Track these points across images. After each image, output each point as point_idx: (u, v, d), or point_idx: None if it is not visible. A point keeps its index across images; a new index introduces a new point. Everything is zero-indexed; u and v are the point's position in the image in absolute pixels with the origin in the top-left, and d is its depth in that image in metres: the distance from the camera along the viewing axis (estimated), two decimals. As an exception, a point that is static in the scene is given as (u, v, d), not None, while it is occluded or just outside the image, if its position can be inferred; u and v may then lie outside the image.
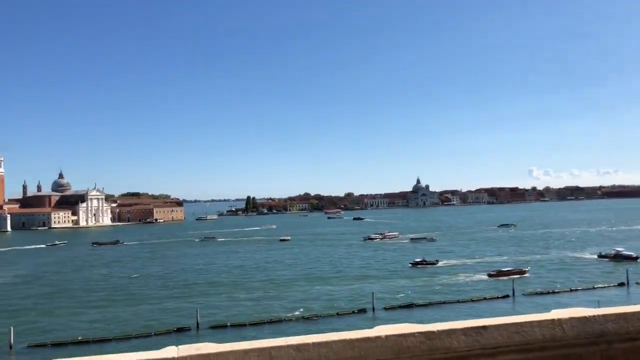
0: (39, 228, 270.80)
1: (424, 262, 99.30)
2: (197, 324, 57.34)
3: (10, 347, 50.86)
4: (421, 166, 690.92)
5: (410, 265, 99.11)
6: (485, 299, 68.27)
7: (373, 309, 62.95)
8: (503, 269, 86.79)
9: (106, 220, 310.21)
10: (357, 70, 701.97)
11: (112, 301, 73.34)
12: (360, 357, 3.93)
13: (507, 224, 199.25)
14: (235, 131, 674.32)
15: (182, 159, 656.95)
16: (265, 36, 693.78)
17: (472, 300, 67.38)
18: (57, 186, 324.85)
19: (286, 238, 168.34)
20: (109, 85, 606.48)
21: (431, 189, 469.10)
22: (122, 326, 58.68)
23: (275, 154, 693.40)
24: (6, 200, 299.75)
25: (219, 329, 56.07)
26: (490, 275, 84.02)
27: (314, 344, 3.87)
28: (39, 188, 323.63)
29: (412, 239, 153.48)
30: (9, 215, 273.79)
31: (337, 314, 61.67)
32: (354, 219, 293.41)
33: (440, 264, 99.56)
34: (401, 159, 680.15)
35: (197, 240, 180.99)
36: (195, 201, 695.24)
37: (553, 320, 4.48)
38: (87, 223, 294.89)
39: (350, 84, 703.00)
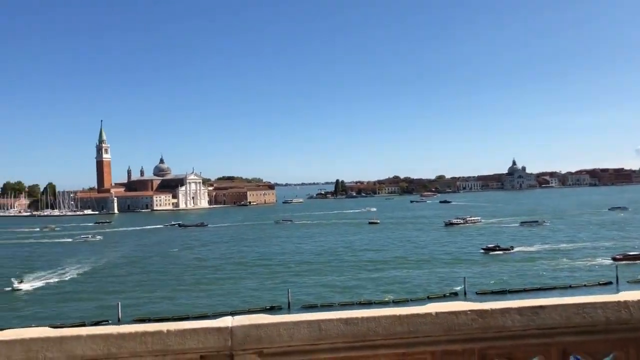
0: (142, 210, 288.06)
1: (497, 248, 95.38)
2: (289, 303, 58.96)
3: (119, 320, 54.74)
4: (517, 147, 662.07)
5: (482, 251, 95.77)
6: (585, 285, 64.86)
7: (465, 293, 61.85)
8: (630, 253, 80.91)
9: (203, 203, 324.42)
10: (456, 49, 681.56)
11: (205, 280, 76.72)
12: (409, 332, 3.96)
13: (618, 207, 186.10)
14: (324, 115, 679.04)
15: (274, 144, 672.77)
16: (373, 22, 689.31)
17: (571, 287, 64.27)
18: (159, 171, 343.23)
19: (375, 221, 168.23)
20: (204, 75, 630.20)
21: (528, 170, 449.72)
22: (217, 304, 61.40)
23: (365, 137, 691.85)
24: (113, 184, 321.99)
25: (310, 309, 57.24)
26: (615, 260, 77.74)
27: (362, 318, 3.95)
28: (141, 173, 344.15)
29: (522, 222, 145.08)
30: (115, 199, 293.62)
31: (428, 297, 60.98)
32: (441, 202, 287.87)
33: (516, 249, 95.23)
34: (496, 139, 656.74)
35: (273, 222, 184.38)
36: (287, 184, 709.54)
37: (619, 302, 4.26)
38: (185, 206, 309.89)
39: (448, 63, 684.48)
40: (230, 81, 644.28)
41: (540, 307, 4.14)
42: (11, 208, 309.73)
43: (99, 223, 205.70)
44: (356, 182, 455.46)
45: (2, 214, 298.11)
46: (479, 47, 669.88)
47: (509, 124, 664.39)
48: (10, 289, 69.87)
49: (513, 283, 67.42)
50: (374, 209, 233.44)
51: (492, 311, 4.08)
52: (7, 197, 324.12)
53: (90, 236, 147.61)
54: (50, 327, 4.01)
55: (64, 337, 3.72)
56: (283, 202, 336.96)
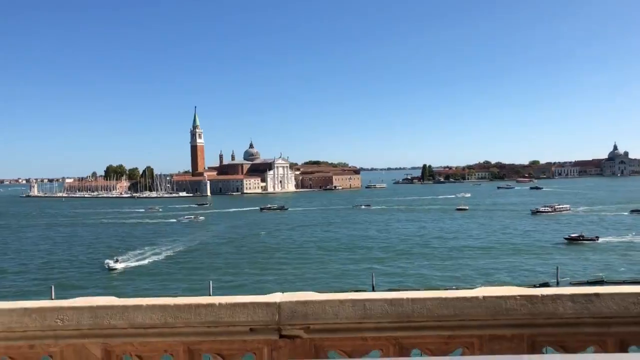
0: (233, 193, 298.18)
1: (581, 238, 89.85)
2: (373, 287, 59.17)
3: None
4: (619, 131, 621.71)
5: (565, 240, 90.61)
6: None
7: (557, 283, 59.35)
8: None
9: (291, 186, 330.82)
10: (547, 26, 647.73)
11: (292, 263, 78.41)
12: (454, 315, 3.95)
13: None
14: (412, 99, 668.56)
15: (360, 128, 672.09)
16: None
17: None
18: (248, 155, 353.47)
19: (464, 207, 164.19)
20: (292, 61, 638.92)
21: (631, 155, 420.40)
22: (303, 286, 62.68)
23: (454, 121, 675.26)
24: (206, 168, 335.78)
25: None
26: None
27: (408, 299, 3.99)
28: (232, 157, 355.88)
29: (633, 211, 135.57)
30: (208, 182, 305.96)
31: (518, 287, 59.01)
32: (531, 188, 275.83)
33: (603, 239, 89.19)
34: (595, 122, 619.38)
35: (351, 207, 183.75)
36: (372, 169, 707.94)
37: None
38: (274, 189, 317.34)
39: (541, 40, 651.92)
40: (316, 66, 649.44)
41: (596, 294, 3.99)
42: (113, 190, 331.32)
43: (199, 205, 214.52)
44: (444, 167, 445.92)
45: (105, 194, 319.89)
46: (586, 25, 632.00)
47: (611, 106, 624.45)
48: (107, 268, 74.38)
49: (600, 274, 63.75)
50: (468, 195, 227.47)
51: (543, 297, 3.97)
52: (110, 179, 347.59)
53: (193, 217, 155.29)
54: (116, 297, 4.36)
55: (127, 306, 4.05)
56: (366, 187, 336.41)
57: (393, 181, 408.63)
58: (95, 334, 4.05)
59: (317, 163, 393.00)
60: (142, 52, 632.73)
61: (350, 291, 41.62)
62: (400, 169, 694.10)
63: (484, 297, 3.98)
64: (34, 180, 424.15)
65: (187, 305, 4.04)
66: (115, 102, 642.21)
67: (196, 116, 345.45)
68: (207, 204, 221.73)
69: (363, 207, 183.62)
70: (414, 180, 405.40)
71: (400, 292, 4.12)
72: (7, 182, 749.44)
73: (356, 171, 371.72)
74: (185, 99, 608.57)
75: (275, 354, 4.02)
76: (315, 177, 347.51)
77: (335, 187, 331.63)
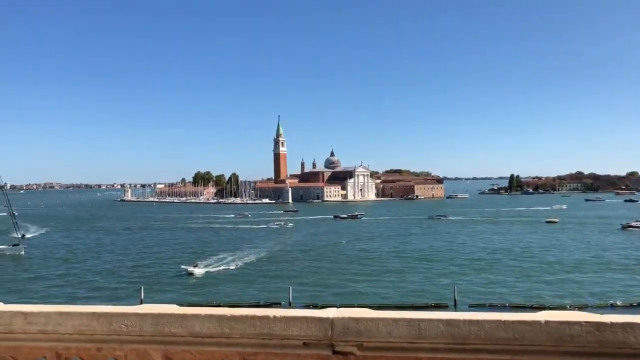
0: (314, 201, 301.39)
1: None
2: (455, 301, 57.67)
3: (290, 303, 58.09)
4: None
5: None
6: None
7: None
8: None
9: (371, 195, 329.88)
10: None
11: (371, 272, 77.82)
12: (514, 339, 3.77)
13: None
14: (499, 108, 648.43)
15: (443, 137, 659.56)
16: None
17: None
18: (329, 163, 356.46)
19: (554, 220, 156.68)
20: (372, 70, 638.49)
21: None
22: (380, 298, 62.06)
23: (543, 130, 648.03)
24: (288, 175, 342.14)
25: (477, 308, 55.35)
26: None
27: (464, 320, 3.85)
28: (314, 165, 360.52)
29: None
30: (290, 189, 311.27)
31: (611, 304, 55.59)
32: (625, 201, 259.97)
33: None
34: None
35: (426, 217, 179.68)
36: (456, 179, 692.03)
37: None
38: (354, 197, 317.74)
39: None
40: (401, 74, 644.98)
41: (673, 325, 3.67)
42: (201, 195, 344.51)
43: (286, 211, 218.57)
44: (533, 178, 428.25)
45: (193, 200, 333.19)
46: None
47: None
48: (186, 273, 76.30)
49: None
50: (565, 207, 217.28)
51: (612, 325, 3.70)
52: (197, 186, 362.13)
53: (283, 223, 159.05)
54: (178, 305, 4.52)
55: (186, 315, 4.19)
56: (447, 197, 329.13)
57: (478, 191, 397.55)
58: (157, 340, 4.22)
59: (398, 172, 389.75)
60: (229, 61, 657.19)
61: (432, 305, 40.90)
62: (486, 178, 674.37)
63: (546, 322, 3.77)
64: (128, 186, 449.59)
65: (242, 316, 4.12)
66: (203, 111, 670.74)
67: (279, 125, 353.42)
68: (294, 210, 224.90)
69: (439, 217, 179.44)
70: (501, 191, 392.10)
71: (457, 312, 3.99)
72: (104, 187, 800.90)
73: (439, 180, 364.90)
74: (270, 108, 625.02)
75: None
76: (397, 186, 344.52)
77: (416, 196, 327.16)
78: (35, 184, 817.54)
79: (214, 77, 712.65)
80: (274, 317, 4.09)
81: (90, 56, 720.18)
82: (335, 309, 4.19)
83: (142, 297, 58.74)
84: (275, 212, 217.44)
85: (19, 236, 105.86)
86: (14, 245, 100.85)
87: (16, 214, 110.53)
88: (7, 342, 4.43)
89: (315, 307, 56.81)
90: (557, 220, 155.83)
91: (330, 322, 4.02)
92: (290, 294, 58.82)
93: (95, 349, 4.33)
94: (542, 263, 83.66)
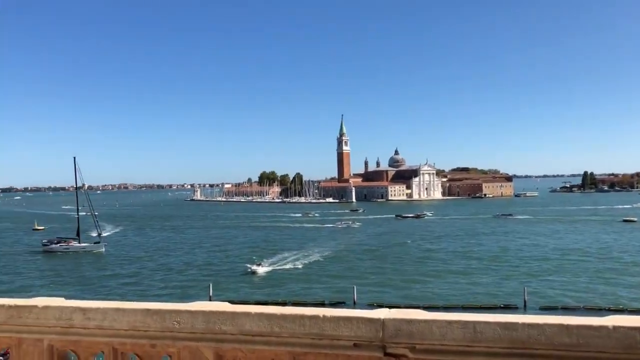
0: (378, 200, 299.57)
1: None
2: (525, 303, 55.93)
3: (354, 302, 58.00)
4: None
5: None
6: None
7: None
8: None
9: (437, 194, 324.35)
10: None
11: (437, 273, 76.45)
12: (578, 345, 3.51)
13: None
14: (571, 99, 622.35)
15: (512, 133, 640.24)
16: None
17: None
18: (393, 162, 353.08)
19: (632, 219, 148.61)
20: (439, 62, 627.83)
21: None
22: (449, 297, 60.94)
23: (618, 123, 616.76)
24: (351, 174, 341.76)
25: (549, 311, 53.30)
26: None
27: (523, 324, 3.63)
28: (377, 164, 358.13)
29: None
30: (353, 188, 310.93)
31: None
32: None
33: None
34: None
35: (491, 216, 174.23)
36: (526, 176, 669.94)
37: None
38: (419, 196, 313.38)
39: None
40: (466, 70, 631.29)
41: None
42: (266, 195, 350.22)
43: (353, 211, 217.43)
44: (609, 175, 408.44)
45: (259, 199, 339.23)
46: None
47: None
48: (250, 271, 77.13)
49: None
50: None
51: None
52: (263, 185, 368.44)
53: (350, 222, 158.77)
54: (230, 303, 4.54)
55: (237, 313, 4.19)
56: (515, 196, 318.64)
57: (549, 189, 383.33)
58: (208, 338, 4.25)
59: (465, 170, 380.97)
60: (293, 62, 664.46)
61: (501, 306, 39.68)
62: (557, 176, 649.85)
63: (614, 327, 3.48)
64: (197, 186, 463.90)
65: (292, 316, 4.07)
66: (267, 112, 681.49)
67: (343, 124, 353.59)
68: (360, 210, 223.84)
69: (504, 216, 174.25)
70: (573, 189, 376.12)
71: (515, 315, 3.77)
72: (175, 187, 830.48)
73: (508, 178, 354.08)
74: (333, 107, 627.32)
75: None
76: (463, 184, 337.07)
77: (484, 195, 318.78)
78: (111, 185, 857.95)
79: (278, 79, 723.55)
80: (324, 316, 4.02)
81: (164, 63, 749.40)
82: (387, 309, 4.07)
83: (211, 294, 60.37)
84: (340, 211, 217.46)
85: (99, 234, 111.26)
86: (95, 243, 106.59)
87: (97, 213, 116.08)
88: (68, 336, 4.59)
89: (380, 306, 56.41)
90: (635, 219, 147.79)
91: (382, 323, 3.90)
92: (355, 294, 58.72)
93: (150, 345, 4.41)
94: (619, 264, 79.60)
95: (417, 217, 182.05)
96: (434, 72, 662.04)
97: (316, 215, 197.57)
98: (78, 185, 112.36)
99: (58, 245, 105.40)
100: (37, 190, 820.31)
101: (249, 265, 79.23)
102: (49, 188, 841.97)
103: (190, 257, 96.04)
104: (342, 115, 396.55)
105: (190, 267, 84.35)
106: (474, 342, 3.71)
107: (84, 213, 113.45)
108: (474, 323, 3.73)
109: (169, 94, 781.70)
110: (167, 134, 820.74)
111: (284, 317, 4.08)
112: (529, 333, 3.61)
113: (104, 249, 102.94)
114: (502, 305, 55.83)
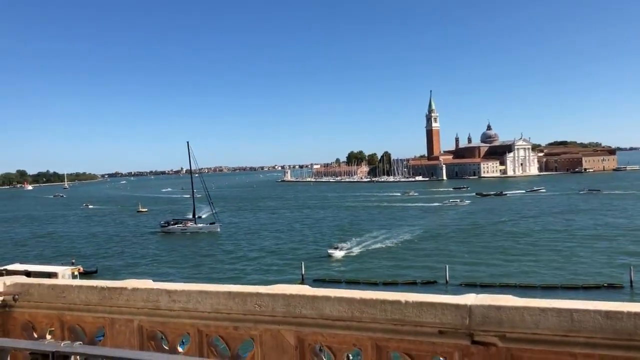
0: (470, 177, 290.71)
1: None
2: (631, 282, 52.62)
3: (446, 282, 57.06)
4: None
5: None
6: None
7: None
8: None
9: (533, 169, 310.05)
10: None
11: (535, 251, 73.50)
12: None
13: None
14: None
15: (616, 103, 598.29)
16: None
17: None
18: (486, 137, 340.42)
19: None
20: (526, 35, 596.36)
21: None
22: (546, 276, 58.47)
23: None
24: (441, 151, 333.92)
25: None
26: None
27: (629, 313, 3.28)
28: (469, 140, 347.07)
29: None
30: (444, 166, 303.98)
31: None
32: None
33: None
34: None
35: (581, 192, 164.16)
36: (631, 149, 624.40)
37: None
38: (514, 172, 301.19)
39: None
40: (558, 37, 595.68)
41: None
42: (354, 175, 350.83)
43: (456, 189, 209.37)
44: None
45: (347, 179, 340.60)
46: None
47: None
48: (328, 255, 75.33)
49: None
50: None
51: None
52: (351, 165, 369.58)
53: (459, 200, 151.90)
54: (311, 287, 4.47)
55: (316, 297, 4.12)
56: (613, 170, 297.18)
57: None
58: (289, 321, 4.22)
59: (563, 144, 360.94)
60: (379, 39, 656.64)
61: (604, 285, 37.47)
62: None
63: None
64: (288, 167, 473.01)
65: (372, 300, 3.94)
66: (353, 90, 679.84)
67: (432, 100, 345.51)
68: (466, 187, 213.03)
69: (591, 191, 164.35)
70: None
71: (618, 303, 3.40)
72: (267, 169, 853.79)
73: (611, 151, 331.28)
74: (421, 83, 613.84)
75: None
76: (561, 159, 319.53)
77: (585, 169, 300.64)
78: (207, 168, 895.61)
79: (365, 57, 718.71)
80: (406, 302, 3.86)
81: (252, 48, 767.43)
82: (474, 295, 3.83)
83: (304, 272, 61.67)
84: (441, 189, 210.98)
85: (213, 213, 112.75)
86: (210, 223, 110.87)
87: (210, 195, 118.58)
88: (155, 317, 4.74)
89: (474, 286, 55.08)
90: None
91: (468, 309, 3.68)
92: (447, 273, 57.68)
93: (233, 327, 4.45)
94: None
95: (499, 195, 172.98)
96: (524, 40, 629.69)
97: (415, 194, 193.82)
98: (192, 169, 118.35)
99: (176, 226, 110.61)
100: (140, 174, 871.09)
101: (333, 248, 77.51)
102: (151, 172, 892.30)
103: (283, 237, 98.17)
104: (431, 91, 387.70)
105: (282, 249, 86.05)
106: (571, 332, 3.41)
107: (188, 195, 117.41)
108: (572, 311, 3.42)
109: (258, 78, 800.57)
110: (258, 118, 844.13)
111: (364, 301, 3.96)
112: (635, 323, 3.26)
113: (219, 229, 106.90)
114: (605, 284, 52.87)
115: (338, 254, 74.80)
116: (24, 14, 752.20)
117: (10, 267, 62.02)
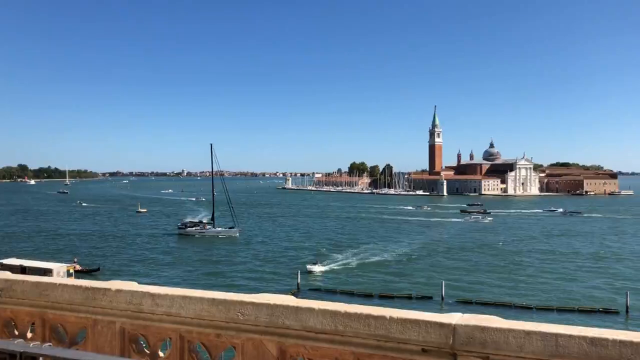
0: (470, 194, 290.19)
1: None
2: (627, 308, 52.28)
3: (442, 298, 56.73)
4: None
5: None
6: None
7: None
8: None
9: (534, 189, 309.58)
10: None
11: (533, 271, 73.17)
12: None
13: None
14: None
15: (616, 128, 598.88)
16: None
17: None
18: (488, 155, 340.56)
19: None
20: (536, 52, 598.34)
21: None
22: (537, 300, 57.90)
23: None
24: (443, 167, 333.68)
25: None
26: None
27: (614, 340, 3.21)
28: (471, 157, 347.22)
29: None
30: (445, 181, 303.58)
31: None
32: None
33: None
34: None
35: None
36: (632, 173, 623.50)
37: None
38: (514, 192, 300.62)
39: None
40: (564, 60, 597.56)
41: None
42: (355, 185, 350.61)
43: (470, 205, 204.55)
44: None
45: (348, 190, 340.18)
46: None
47: None
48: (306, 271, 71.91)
49: None
50: None
51: None
52: (352, 176, 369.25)
53: (480, 217, 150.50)
54: (294, 297, 4.41)
55: (300, 308, 4.05)
56: (608, 194, 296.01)
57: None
58: (271, 331, 4.15)
59: (565, 165, 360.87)
60: (384, 51, 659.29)
61: (599, 310, 37.09)
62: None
63: None
64: (289, 174, 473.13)
65: (357, 314, 3.87)
66: (358, 102, 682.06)
67: (436, 115, 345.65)
68: (480, 204, 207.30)
69: (571, 214, 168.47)
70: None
71: (604, 330, 3.34)
72: (268, 175, 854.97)
73: (612, 175, 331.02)
74: (426, 98, 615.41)
75: None
76: (563, 180, 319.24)
77: (586, 192, 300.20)
78: (208, 171, 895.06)
79: (369, 69, 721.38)
80: (390, 317, 3.79)
81: (255, 57, 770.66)
82: (460, 314, 3.77)
83: (299, 281, 61.36)
84: (456, 205, 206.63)
85: (233, 218, 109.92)
86: (229, 228, 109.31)
87: (231, 199, 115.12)
88: (138, 320, 4.67)
89: (470, 303, 54.76)
90: None
91: (452, 328, 3.62)
92: (442, 289, 57.33)
93: (215, 334, 4.38)
94: None
95: (482, 213, 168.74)
96: (530, 63, 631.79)
97: (428, 208, 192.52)
98: (211, 171, 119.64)
99: (194, 229, 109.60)
100: (141, 174, 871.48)
101: (308, 265, 73.19)
102: (152, 173, 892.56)
103: (283, 245, 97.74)
104: (435, 106, 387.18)
105: (276, 258, 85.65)
106: (555, 357, 3.34)
107: (194, 199, 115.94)
108: (557, 335, 3.36)
109: (262, 86, 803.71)
110: (261, 124, 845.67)
111: (348, 315, 3.90)
112: (620, 351, 3.20)
113: (238, 234, 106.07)
114: (600, 309, 52.59)
115: (317, 269, 71.41)
116: (30, 8, 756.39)
117: (5, 261, 61.97)
